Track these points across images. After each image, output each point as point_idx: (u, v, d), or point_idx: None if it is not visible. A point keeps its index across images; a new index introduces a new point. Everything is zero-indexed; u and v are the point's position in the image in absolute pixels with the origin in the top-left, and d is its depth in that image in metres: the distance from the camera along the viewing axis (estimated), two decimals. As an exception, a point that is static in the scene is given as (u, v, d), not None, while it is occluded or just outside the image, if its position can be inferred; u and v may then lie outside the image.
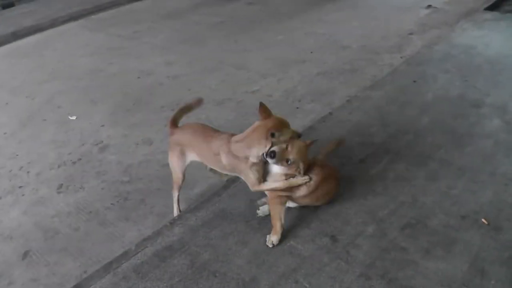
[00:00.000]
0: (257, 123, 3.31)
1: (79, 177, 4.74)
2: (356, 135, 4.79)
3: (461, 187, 3.91)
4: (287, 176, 3.32)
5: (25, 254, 3.83)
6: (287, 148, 3.18)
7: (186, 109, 3.90)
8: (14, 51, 8.85)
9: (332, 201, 3.72)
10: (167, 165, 4.71)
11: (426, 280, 3.09)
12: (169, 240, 3.65)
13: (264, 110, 3.30)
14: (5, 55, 8.71)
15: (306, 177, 3.33)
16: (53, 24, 10.01)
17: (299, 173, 3.29)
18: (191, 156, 3.70)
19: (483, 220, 3.53)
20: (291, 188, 3.36)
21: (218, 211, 3.86)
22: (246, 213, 3.78)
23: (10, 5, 11.62)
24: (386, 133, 4.77)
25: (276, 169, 3.32)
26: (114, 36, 9.04)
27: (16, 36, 9.44)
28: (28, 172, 4.91)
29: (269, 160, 3.17)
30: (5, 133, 5.71)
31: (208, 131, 3.59)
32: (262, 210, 3.69)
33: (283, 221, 3.41)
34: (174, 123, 3.79)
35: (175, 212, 4.01)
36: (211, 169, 3.92)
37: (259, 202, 3.81)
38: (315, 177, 3.39)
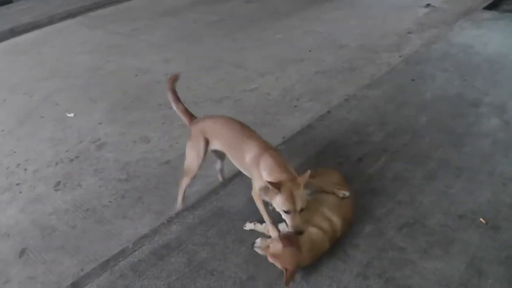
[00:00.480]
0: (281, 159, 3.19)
1: (77, 175, 4.73)
2: (354, 134, 4.79)
3: (459, 187, 3.91)
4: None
5: (22, 252, 3.82)
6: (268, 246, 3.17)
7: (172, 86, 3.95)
8: (12, 48, 8.83)
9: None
10: (165, 163, 4.74)
11: (424, 280, 3.09)
12: (166, 238, 3.64)
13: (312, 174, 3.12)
14: (3, 52, 8.69)
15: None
16: (51, 21, 9.99)
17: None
18: (215, 145, 3.62)
19: (481, 219, 3.53)
20: None
21: (216, 210, 3.85)
22: (244, 212, 3.77)
23: (8, 1, 11.59)
24: (384, 132, 4.77)
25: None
26: (112, 33, 9.02)
27: (14, 33, 9.41)
28: (25, 169, 4.89)
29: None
30: (2, 130, 5.69)
31: (241, 128, 3.50)
32: (249, 226, 3.65)
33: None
34: (191, 115, 3.80)
35: (179, 204, 3.96)
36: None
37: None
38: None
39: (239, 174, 4.23)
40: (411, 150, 4.44)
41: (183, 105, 3.88)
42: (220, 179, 4.24)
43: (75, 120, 5.79)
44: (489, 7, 8.10)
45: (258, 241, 3.26)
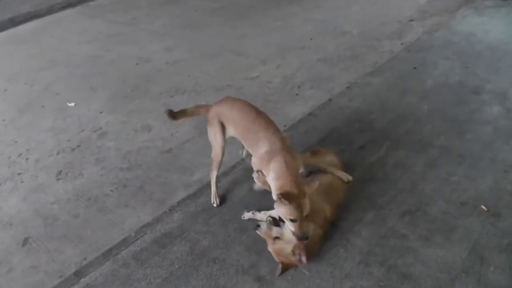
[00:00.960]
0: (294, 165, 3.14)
1: (78, 164, 4.73)
2: (355, 121, 4.78)
3: (461, 174, 3.91)
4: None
5: (25, 241, 3.83)
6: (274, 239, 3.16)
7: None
8: (11, 37, 8.79)
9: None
10: (166, 151, 4.74)
11: (426, 267, 3.10)
12: (168, 227, 3.65)
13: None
14: (3, 42, 8.65)
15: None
16: (50, 10, 9.92)
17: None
18: (231, 132, 3.57)
19: (482, 207, 3.54)
20: None
21: (219, 197, 3.85)
22: (246, 200, 3.79)
23: (8, -9, 11.52)
24: (386, 119, 4.76)
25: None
26: (112, 22, 8.98)
27: (13, 22, 9.36)
28: (27, 159, 4.89)
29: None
30: (3, 120, 5.69)
31: (257, 117, 3.41)
32: (247, 216, 3.65)
33: None
34: (204, 106, 3.82)
35: (213, 197, 3.86)
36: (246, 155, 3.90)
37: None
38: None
39: (241, 163, 4.24)
40: (413, 138, 4.44)
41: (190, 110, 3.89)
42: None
43: (76, 109, 5.78)
44: (492, -6, 8.04)
45: (264, 226, 3.21)
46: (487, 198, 3.63)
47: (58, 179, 4.53)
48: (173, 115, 3.81)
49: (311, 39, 7.17)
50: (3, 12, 9.76)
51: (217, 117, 3.57)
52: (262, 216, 3.50)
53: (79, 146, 5.01)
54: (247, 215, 3.60)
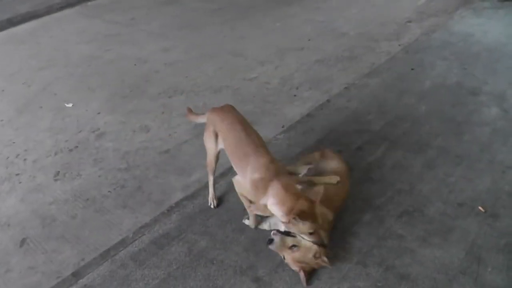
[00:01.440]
0: (293, 185, 3.07)
1: (76, 165, 4.73)
2: (353, 122, 4.79)
3: (459, 175, 3.92)
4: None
5: (23, 242, 3.82)
6: (290, 247, 3.11)
7: None
8: (10, 38, 8.78)
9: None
10: (164, 152, 4.75)
11: (423, 267, 3.11)
12: (166, 228, 3.66)
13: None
14: (1, 42, 8.64)
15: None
16: (49, 10, 9.92)
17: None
18: (221, 144, 3.48)
19: (480, 207, 3.55)
20: None
21: (216, 199, 3.85)
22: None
23: (6, -9, 11.51)
24: (384, 120, 4.77)
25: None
26: (110, 22, 8.97)
27: (12, 22, 9.35)
28: (25, 159, 4.89)
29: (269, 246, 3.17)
30: (1, 121, 5.68)
31: (247, 136, 3.28)
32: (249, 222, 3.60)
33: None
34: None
35: (210, 198, 3.84)
36: None
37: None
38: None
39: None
40: (411, 139, 4.44)
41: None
42: None
43: (74, 109, 5.77)
44: (489, -4, 8.06)
45: (277, 239, 3.15)
46: (485, 199, 3.63)
47: (56, 180, 4.53)
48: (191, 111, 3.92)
49: (309, 40, 7.18)
50: (1, 12, 9.75)
51: (212, 123, 3.51)
52: (266, 227, 3.48)
53: (77, 146, 5.01)
54: (247, 222, 3.58)
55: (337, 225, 3.44)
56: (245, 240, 3.44)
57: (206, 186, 3.94)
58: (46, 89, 6.40)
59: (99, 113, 5.63)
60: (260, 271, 3.19)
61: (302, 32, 7.52)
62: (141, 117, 5.45)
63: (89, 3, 10.44)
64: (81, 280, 3.29)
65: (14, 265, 3.60)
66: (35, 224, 3.99)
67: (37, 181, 4.55)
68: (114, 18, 9.20)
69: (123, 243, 3.57)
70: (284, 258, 3.15)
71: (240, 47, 7.19)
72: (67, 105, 5.87)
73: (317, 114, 5.01)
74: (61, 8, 10.09)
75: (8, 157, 4.94)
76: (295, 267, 3.10)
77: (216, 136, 3.48)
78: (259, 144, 3.26)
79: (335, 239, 3.33)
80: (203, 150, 3.73)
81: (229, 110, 3.53)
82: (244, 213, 3.58)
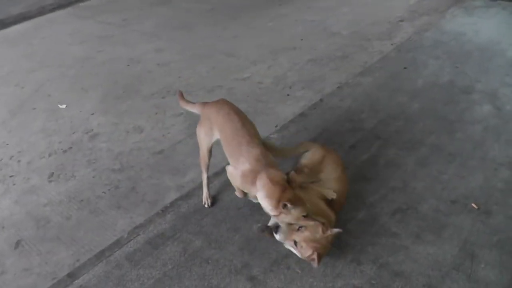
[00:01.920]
0: (280, 177, 3.09)
1: (70, 166, 4.72)
2: (346, 121, 4.81)
3: (452, 172, 3.95)
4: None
5: (17, 244, 3.81)
6: (298, 229, 3.07)
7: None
8: (2, 39, 8.74)
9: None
10: (158, 152, 4.75)
11: (417, 264, 3.13)
12: (161, 228, 3.66)
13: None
14: (-7, 43, 8.63)
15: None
16: (41, 12, 9.89)
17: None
18: (217, 135, 3.49)
19: (473, 204, 3.58)
20: None
21: (210, 198, 3.86)
22: (238, 200, 3.79)
23: (-3, -8, 11.47)
24: (377, 119, 4.79)
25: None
26: (103, 23, 8.95)
27: (4, 24, 9.32)
28: (18, 161, 4.88)
29: (276, 236, 3.12)
30: (-6, 122, 5.67)
31: (242, 127, 3.32)
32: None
33: None
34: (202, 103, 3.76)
35: (204, 198, 3.85)
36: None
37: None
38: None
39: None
40: (404, 137, 4.47)
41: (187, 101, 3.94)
42: None
43: (67, 111, 5.76)
44: (481, -6, 8.10)
45: (283, 226, 3.09)
46: (478, 196, 3.67)
47: (50, 181, 4.52)
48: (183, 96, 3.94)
49: (302, 39, 7.19)
50: (-7, 13, 9.73)
51: (207, 117, 3.54)
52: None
53: (71, 147, 5.00)
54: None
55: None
56: (239, 239, 3.46)
57: (200, 186, 3.95)
58: (39, 90, 6.38)
59: (92, 114, 5.62)
60: (255, 270, 3.20)
61: (295, 32, 7.54)
62: (135, 117, 5.45)
63: (81, 4, 10.41)
64: (76, 281, 3.29)
65: (9, 267, 3.59)
66: (29, 226, 3.99)
67: (31, 182, 4.54)
68: (107, 19, 9.18)
69: (118, 243, 3.58)
70: (295, 244, 3.06)
71: (233, 47, 7.19)
72: (60, 106, 5.86)
73: (310, 113, 5.02)
74: (54, 9, 10.05)
75: (1, 159, 4.93)
76: (309, 250, 3.00)
77: (211, 129, 3.50)
78: (253, 134, 3.32)
79: (329, 237, 3.35)
80: (197, 150, 3.74)
81: (224, 103, 3.57)
82: (238, 212, 3.60)
